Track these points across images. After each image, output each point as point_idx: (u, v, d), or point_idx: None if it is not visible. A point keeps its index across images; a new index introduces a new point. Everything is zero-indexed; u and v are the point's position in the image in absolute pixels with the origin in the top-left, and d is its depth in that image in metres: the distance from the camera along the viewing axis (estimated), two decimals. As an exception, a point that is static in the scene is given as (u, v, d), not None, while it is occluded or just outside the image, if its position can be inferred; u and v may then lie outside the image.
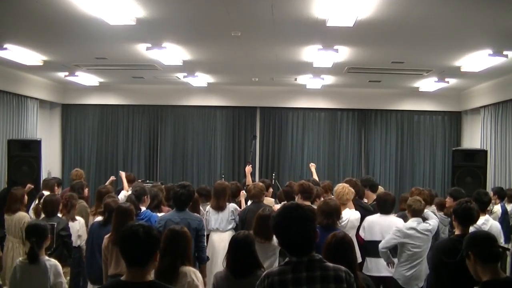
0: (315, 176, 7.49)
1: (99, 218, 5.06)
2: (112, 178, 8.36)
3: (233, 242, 3.48)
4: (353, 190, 5.19)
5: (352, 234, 4.85)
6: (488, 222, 4.75)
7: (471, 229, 4.46)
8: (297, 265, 2.38)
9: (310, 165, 8.07)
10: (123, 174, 7.67)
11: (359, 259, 5.04)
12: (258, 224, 4.35)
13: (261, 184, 5.82)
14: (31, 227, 3.85)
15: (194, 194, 4.99)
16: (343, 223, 4.81)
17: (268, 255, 4.39)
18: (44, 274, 3.64)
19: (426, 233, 4.80)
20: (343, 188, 5.12)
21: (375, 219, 5.25)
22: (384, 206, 5.29)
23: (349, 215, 4.98)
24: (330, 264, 2.42)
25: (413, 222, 4.82)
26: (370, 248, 5.14)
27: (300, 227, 2.41)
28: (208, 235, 5.48)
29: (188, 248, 3.49)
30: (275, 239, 4.32)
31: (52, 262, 3.72)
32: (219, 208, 5.55)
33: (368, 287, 3.12)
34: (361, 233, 5.24)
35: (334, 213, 4.40)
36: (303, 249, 2.40)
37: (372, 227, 5.19)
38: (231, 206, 5.67)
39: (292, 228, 2.41)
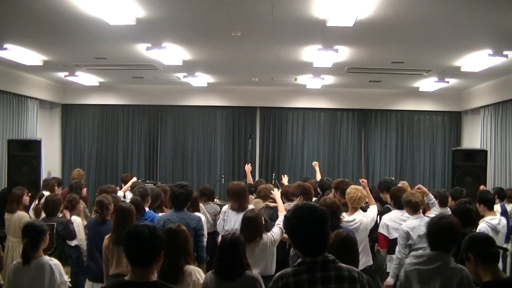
0: (318, 175, 7.42)
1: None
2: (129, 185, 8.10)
3: (222, 244, 3.43)
4: (365, 193, 5.10)
5: (364, 236, 4.83)
6: (501, 222, 4.76)
7: (486, 227, 4.51)
8: (311, 265, 2.37)
9: (313, 163, 8.01)
10: (134, 178, 7.51)
11: (370, 262, 5.00)
12: (245, 226, 4.30)
13: (271, 185, 5.77)
14: (26, 227, 3.76)
15: (192, 194, 4.96)
16: (355, 225, 4.79)
17: (260, 255, 4.33)
18: (49, 275, 3.53)
19: None
20: (355, 191, 5.01)
21: (395, 216, 5.17)
22: (399, 201, 5.22)
23: (362, 217, 4.93)
24: (343, 265, 2.42)
25: (414, 220, 4.75)
26: (395, 245, 5.02)
27: (316, 228, 2.40)
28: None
29: (188, 246, 3.48)
30: (265, 238, 4.35)
31: (55, 261, 3.64)
32: (243, 209, 5.28)
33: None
34: (384, 232, 5.15)
35: (337, 211, 4.36)
36: (318, 249, 2.39)
37: (394, 225, 5.11)
38: (251, 207, 5.51)
39: (308, 229, 2.39)
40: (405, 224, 4.77)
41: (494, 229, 4.62)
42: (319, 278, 2.34)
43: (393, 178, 6.08)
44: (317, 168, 7.79)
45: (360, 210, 5.00)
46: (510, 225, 6.78)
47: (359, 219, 4.85)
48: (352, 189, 5.03)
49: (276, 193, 5.17)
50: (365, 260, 4.78)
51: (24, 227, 3.82)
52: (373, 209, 5.11)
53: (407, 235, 4.66)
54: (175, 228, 3.49)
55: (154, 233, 2.47)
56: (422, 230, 4.66)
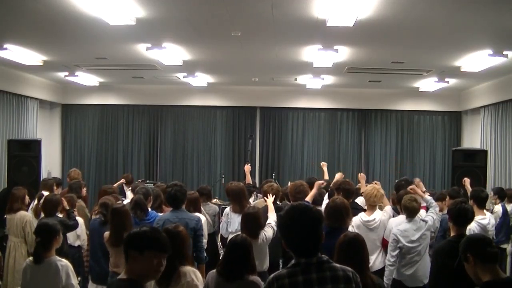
0: (326, 176, 7.41)
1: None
2: (123, 181, 8.25)
3: (232, 244, 3.45)
4: (382, 192, 5.09)
5: (382, 234, 4.85)
6: (490, 221, 4.79)
7: (476, 227, 4.51)
8: (307, 266, 2.35)
9: (321, 164, 7.98)
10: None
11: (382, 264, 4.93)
12: (246, 222, 4.34)
13: (276, 185, 5.75)
14: (39, 227, 3.82)
15: (186, 192, 4.91)
16: (375, 224, 4.80)
17: (256, 252, 4.37)
18: (54, 275, 3.58)
19: (422, 231, 4.73)
20: (372, 189, 5.02)
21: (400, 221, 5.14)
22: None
23: (380, 215, 4.95)
24: (338, 265, 2.42)
25: (407, 223, 4.74)
26: None
27: (309, 228, 2.38)
28: (226, 238, 5.29)
29: (185, 247, 3.47)
30: (261, 236, 4.36)
31: (63, 262, 3.67)
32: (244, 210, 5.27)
33: (379, 287, 3.11)
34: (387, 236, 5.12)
35: (344, 212, 4.37)
36: (312, 250, 2.38)
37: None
38: None
39: (301, 230, 2.37)
40: (397, 228, 4.75)
41: (484, 228, 4.63)
42: (315, 279, 2.32)
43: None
44: (325, 169, 7.74)
45: (378, 209, 5.00)
46: (511, 224, 6.80)
47: (378, 218, 4.85)
48: (370, 187, 5.08)
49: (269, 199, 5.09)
50: (383, 258, 4.78)
51: (37, 226, 3.85)
52: (388, 209, 5.16)
53: (396, 241, 4.65)
54: (172, 229, 3.49)
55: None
56: (414, 234, 4.66)
